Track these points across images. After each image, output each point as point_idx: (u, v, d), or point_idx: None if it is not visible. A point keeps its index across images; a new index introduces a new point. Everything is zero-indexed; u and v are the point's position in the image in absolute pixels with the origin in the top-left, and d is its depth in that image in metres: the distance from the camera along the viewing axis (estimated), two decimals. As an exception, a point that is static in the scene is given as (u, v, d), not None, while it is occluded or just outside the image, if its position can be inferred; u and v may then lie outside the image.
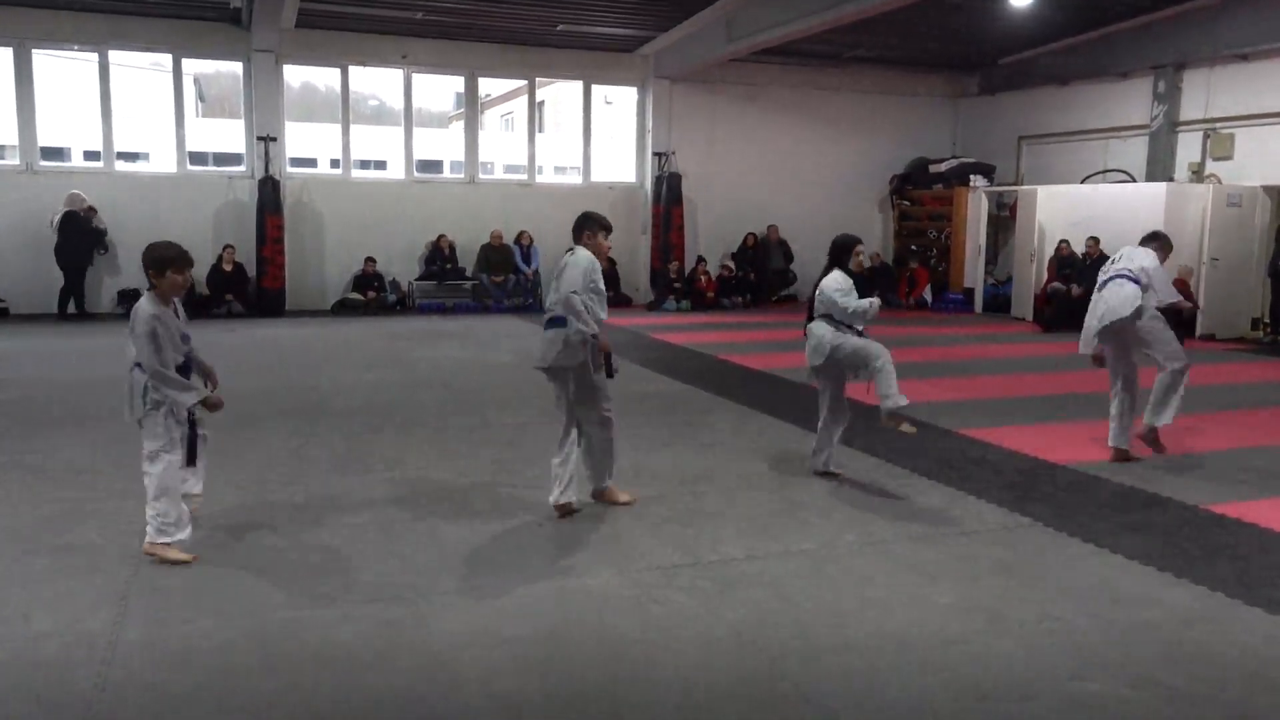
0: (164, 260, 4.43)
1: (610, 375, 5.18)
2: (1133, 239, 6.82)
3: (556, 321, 5.06)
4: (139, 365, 4.37)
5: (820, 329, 5.78)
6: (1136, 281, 6.23)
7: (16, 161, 14.35)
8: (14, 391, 8.34)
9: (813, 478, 5.88)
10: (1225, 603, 4.07)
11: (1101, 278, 6.49)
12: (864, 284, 5.89)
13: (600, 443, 5.28)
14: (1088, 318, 6.42)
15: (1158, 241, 6.56)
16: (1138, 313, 6.15)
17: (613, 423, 5.28)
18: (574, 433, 5.18)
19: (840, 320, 5.75)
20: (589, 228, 5.17)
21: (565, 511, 5.12)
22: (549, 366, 5.09)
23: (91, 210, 13.58)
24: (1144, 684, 3.37)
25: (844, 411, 6.00)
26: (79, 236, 13.39)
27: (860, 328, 5.79)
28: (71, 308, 13.52)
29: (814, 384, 6.07)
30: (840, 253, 5.88)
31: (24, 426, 6.99)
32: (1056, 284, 13.79)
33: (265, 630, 3.73)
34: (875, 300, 5.72)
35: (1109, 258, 6.81)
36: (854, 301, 5.67)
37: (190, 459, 4.58)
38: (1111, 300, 6.26)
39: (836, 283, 5.76)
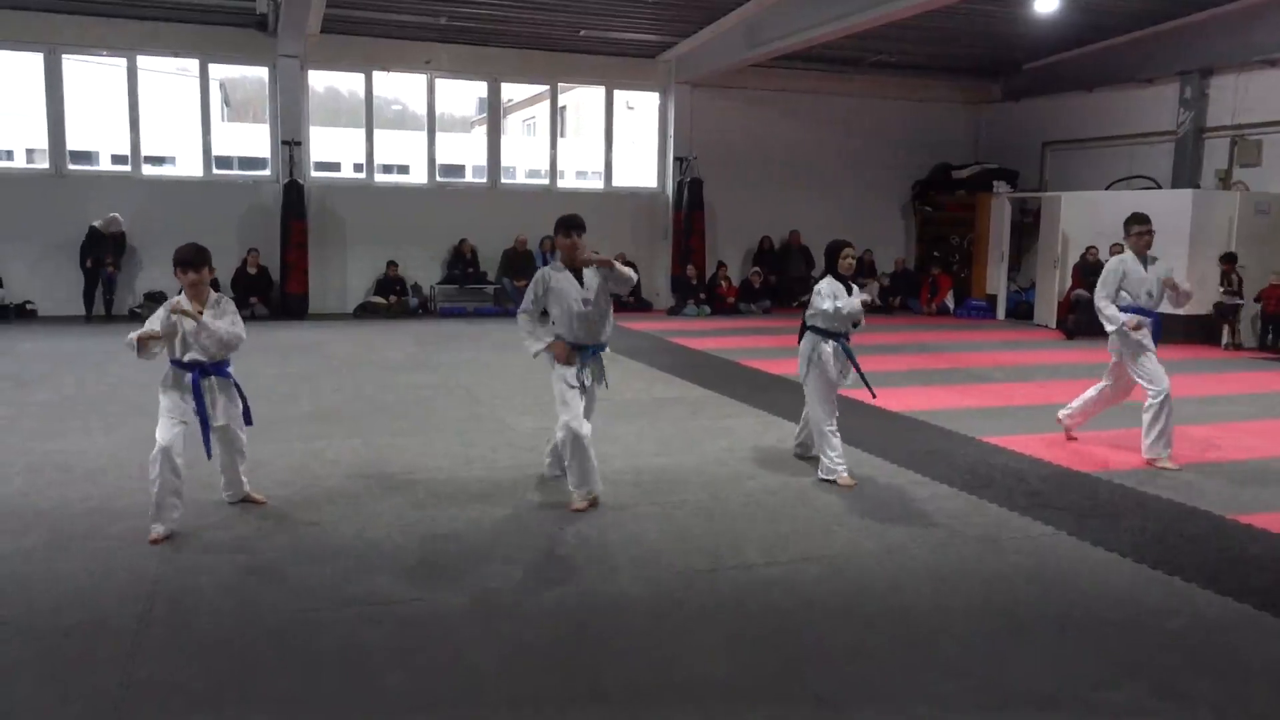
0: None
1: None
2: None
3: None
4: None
5: (804, 346, 6.01)
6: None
7: (46, 165, 14.55)
8: (43, 392, 8.45)
9: (833, 484, 5.85)
10: (1252, 613, 4.03)
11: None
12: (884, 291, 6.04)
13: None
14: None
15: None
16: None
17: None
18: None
19: (828, 327, 5.91)
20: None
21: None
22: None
23: (119, 231, 13.88)
24: (1168, 693, 3.34)
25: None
26: (95, 247, 13.65)
27: (844, 330, 5.94)
28: (100, 309, 13.71)
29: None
30: (830, 257, 6.02)
31: (53, 426, 7.09)
32: (1081, 291, 13.67)
33: (288, 628, 3.77)
34: (855, 300, 5.84)
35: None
36: (830, 303, 5.82)
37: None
38: None
39: (820, 288, 5.95)
